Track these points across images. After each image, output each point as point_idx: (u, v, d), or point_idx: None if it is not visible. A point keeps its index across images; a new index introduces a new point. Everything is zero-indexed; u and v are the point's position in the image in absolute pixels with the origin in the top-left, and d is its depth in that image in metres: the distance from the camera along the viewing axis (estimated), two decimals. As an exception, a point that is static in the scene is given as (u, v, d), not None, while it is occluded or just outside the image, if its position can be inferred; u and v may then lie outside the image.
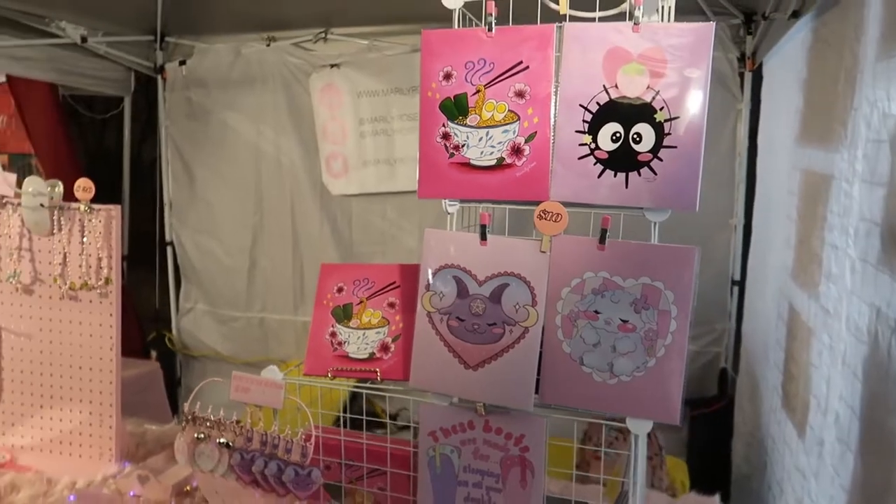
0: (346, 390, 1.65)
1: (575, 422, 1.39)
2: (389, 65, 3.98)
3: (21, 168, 5.14)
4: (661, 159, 1.30)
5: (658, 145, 1.30)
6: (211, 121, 4.38)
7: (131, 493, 1.84)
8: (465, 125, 1.41)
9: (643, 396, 1.31)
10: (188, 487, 1.90)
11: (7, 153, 5.23)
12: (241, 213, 4.37)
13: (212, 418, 1.59)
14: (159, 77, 4.43)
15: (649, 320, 1.31)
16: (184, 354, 4.64)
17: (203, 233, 4.48)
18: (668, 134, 1.29)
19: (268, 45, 4.15)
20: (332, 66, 4.06)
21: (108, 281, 1.97)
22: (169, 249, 4.55)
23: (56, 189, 1.98)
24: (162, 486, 1.86)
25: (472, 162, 1.41)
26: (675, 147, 1.29)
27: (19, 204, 1.98)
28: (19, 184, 1.98)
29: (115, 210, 1.96)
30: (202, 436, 1.59)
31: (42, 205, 1.93)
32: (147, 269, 4.59)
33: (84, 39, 3.86)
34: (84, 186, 1.94)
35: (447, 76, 1.43)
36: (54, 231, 1.97)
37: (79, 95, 4.74)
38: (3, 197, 1.99)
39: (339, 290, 1.61)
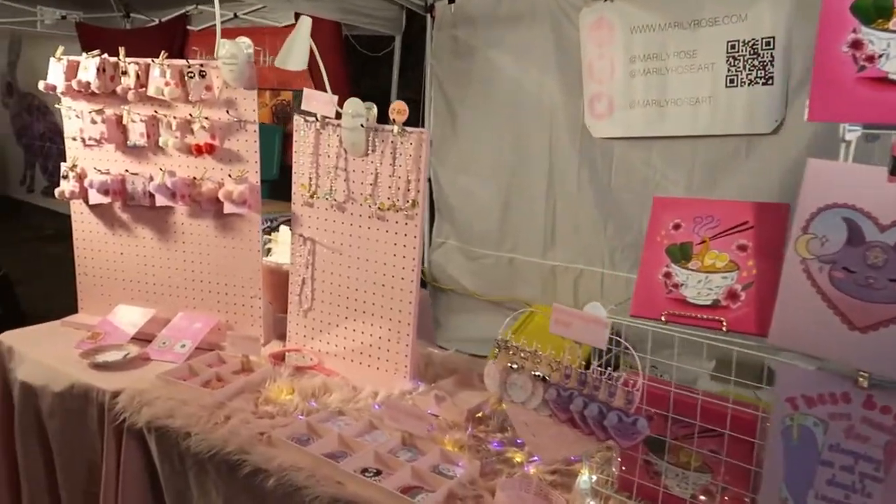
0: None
1: None
2: (671, -5, 3.62)
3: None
4: None
5: None
6: (476, 59, 4.35)
7: (429, 411, 1.87)
8: (887, 30, 1.11)
9: None
10: (481, 413, 1.89)
11: (292, 90, 5.74)
12: (499, 153, 4.33)
13: (527, 349, 1.52)
14: (428, 16, 4.49)
15: None
16: (433, 287, 4.80)
17: (460, 171, 4.54)
18: None
19: (538, -21, 3.98)
20: (606, -1, 3.78)
21: (414, 203, 1.98)
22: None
23: (371, 111, 2.01)
24: (458, 408, 1.86)
25: (892, 76, 1.12)
26: None
27: (338, 125, 2.05)
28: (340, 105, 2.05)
29: (425, 133, 1.95)
30: (515, 366, 1.53)
31: (361, 125, 1.98)
32: (405, 203, 4.78)
33: (365, -22, 4.01)
34: (398, 109, 1.95)
35: (859, -32, 1.14)
36: (369, 152, 2.02)
37: (356, 35, 4.99)
38: (325, 118, 2.07)
39: (676, 226, 1.43)
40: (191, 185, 2.25)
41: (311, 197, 2.12)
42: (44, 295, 5.39)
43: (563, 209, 4.25)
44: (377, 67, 5.20)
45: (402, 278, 2.02)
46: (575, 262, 4.27)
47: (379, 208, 2.02)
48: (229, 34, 2.12)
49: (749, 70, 3.46)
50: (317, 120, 2.07)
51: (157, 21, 5.79)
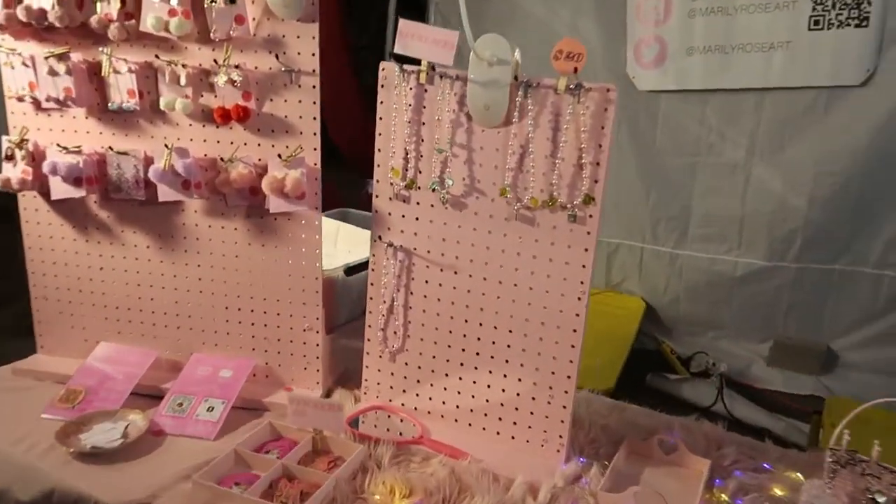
0: None
1: None
2: (743, -81, 2.95)
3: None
4: None
5: None
6: (492, -5, 3.57)
7: (626, 517, 1.21)
8: None
9: None
10: (700, 516, 1.24)
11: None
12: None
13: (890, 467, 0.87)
14: (431, -56, 3.65)
15: None
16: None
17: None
18: None
19: None
20: (662, -78, 3.07)
21: (587, 200, 1.26)
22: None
23: (515, 57, 1.27)
24: (669, 511, 1.21)
25: None
26: None
27: (457, 78, 1.29)
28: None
29: (612, 92, 1.22)
30: (883, 498, 0.87)
31: (515, 78, 1.23)
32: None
33: None
34: (570, 51, 1.21)
35: None
36: (512, 120, 1.27)
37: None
38: (437, 67, 1.30)
39: None
40: (211, 169, 1.44)
41: (408, 188, 1.37)
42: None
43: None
44: (365, 11, 4.31)
45: (561, 310, 1.31)
46: (609, 235, 3.64)
47: (526, 206, 1.29)
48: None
49: (840, 10, 2.85)
50: (426, 71, 1.29)
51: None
